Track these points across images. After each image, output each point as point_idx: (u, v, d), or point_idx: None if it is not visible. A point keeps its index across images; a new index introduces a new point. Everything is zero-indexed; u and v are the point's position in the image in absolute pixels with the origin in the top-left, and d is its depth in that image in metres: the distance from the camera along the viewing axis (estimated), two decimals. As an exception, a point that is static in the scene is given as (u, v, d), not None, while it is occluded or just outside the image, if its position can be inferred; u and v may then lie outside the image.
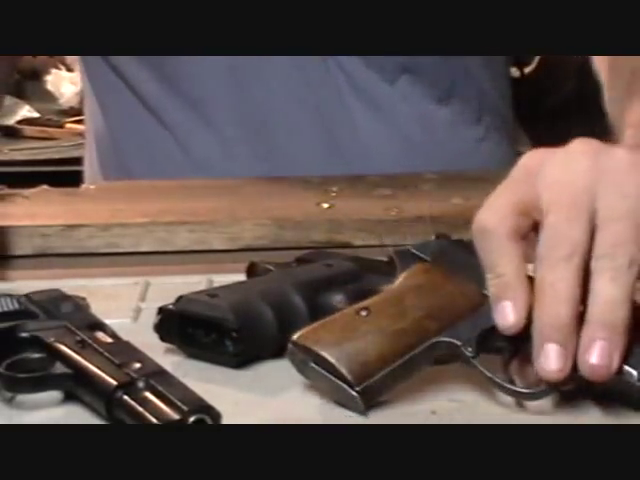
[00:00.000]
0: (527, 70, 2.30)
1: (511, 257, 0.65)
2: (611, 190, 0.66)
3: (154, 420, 0.61)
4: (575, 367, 0.63)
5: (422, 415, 0.65)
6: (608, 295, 0.64)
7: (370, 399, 0.64)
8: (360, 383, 0.64)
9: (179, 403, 0.62)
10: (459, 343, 0.65)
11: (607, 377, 0.62)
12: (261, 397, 0.67)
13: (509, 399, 0.65)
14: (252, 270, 0.78)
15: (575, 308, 0.63)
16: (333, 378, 0.64)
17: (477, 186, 0.96)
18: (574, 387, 0.64)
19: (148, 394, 0.63)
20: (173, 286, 0.69)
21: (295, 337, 0.66)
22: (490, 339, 0.65)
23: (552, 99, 2.43)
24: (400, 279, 0.70)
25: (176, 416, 0.61)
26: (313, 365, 0.65)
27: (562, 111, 2.44)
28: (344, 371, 0.64)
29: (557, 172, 0.67)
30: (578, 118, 2.50)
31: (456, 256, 0.70)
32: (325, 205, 0.93)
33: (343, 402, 0.65)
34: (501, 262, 0.65)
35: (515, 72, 2.26)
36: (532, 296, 0.64)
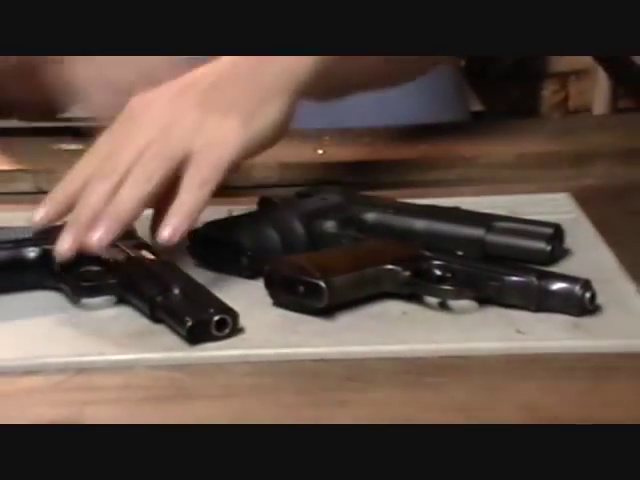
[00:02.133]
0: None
1: None
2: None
3: (188, 319, 0.61)
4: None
5: (391, 316, 0.65)
6: (126, 196, 0.67)
7: (333, 294, 0.63)
8: (324, 277, 0.63)
9: (206, 305, 0.62)
10: (399, 269, 0.65)
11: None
12: (269, 300, 0.66)
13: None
14: (262, 203, 0.77)
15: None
16: (303, 277, 0.64)
17: (439, 134, 0.96)
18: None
19: (182, 298, 0.63)
20: (202, 215, 0.68)
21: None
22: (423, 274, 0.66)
23: (495, 68, 2.41)
24: None
25: (204, 315, 0.61)
26: (286, 274, 0.65)
27: (503, 77, 2.43)
28: (312, 268, 0.64)
29: None
30: (514, 82, 2.50)
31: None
32: (320, 151, 0.91)
33: (312, 302, 0.64)
34: None
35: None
36: None
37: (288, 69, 0.73)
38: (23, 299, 0.69)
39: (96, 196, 0.67)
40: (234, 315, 0.63)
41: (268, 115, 0.71)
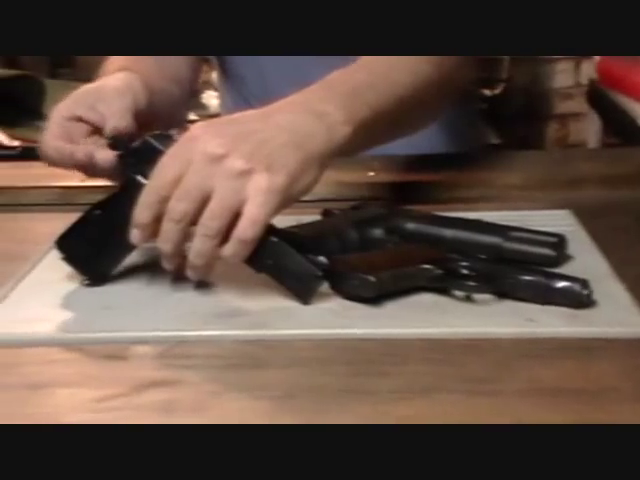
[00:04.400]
0: (495, 92, 2.26)
1: None
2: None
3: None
4: None
5: (425, 305, 0.63)
6: (197, 244, 0.62)
7: (380, 285, 0.62)
8: (373, 273, 0.62)
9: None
10: (433, 268, 0.64)
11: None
12: (329, 290, 0.65)
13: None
14: (324, 214, 0.76)
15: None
16: (356, 273, 0.63)
17: (465, 161, 0.94)
18: None
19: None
20: (278, 223, 0.67)
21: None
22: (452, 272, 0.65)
23: (509, 109, 2.39)
24: None
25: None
26: (343, 269, 0.64)
27: (515, 116, 2.41)
28: (363, 265, 0.63)
29: None
30: (524, 121, 2.48)
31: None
32: (371, 173, 0.90)
33: (362, 292, 0.63)
34: None
35: (488, 93, 2.22)
36: None
37: (330, 139, 0.65)
38: (135, 288, 0.68)
39: (172, 235, 0.62)
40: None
41: (308, 179, 0.64)
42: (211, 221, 0.61)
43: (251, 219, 0.61)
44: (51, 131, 0.73)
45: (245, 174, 0.61)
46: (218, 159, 0.61)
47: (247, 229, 0.61)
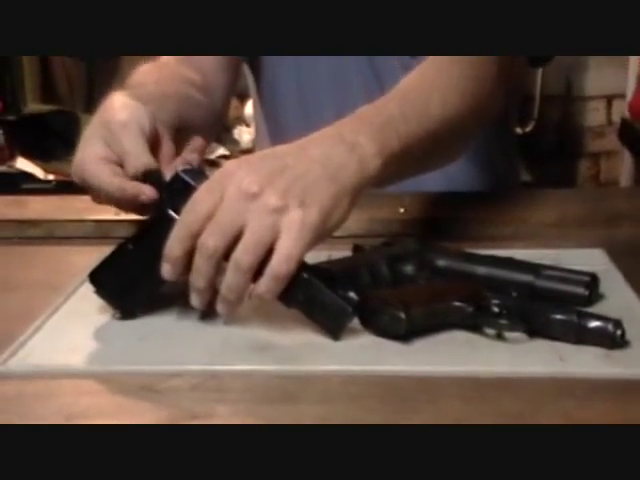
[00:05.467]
0: (527, 129, 2.27)
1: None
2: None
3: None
4: None
5: (457, 342, 0.63)
6: (229, 279, 0.62)
7: (411, 322, 0.63)
8: (404, 310, 0.63)
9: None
10: (464, 305, 0.64)
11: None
12: (360, 326, 0.65)
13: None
14: (356, 249, 0.76)
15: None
16: (388, 308, 0.63)
17: (497, 199, 0.94)
18: None
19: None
20: (310, 258, 0.67)
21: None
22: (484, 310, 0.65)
23: (540, 146, 2.39)
24: None
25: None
26: (374, 305, 0.64)
27: (546, 154, 2.41)
28: (395, 301, 0.63)
29: None
30: (556, 160, 2.48)
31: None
32: (401, 209, 0.91)
33: (393, 328, 0.63)
34: None
35: (519, 130, 2.23)
36: None
37: (361, 170, 0.66)
38: (166, 320, 0.69)
39: (204, 270, 0.63)
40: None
41: (341, 213, 0.64)
42: (244, 255, 0.62)
43: (285, 254, 0.62)
44: (96, 165, 0.71)
45: (279, 210, 0.62)
46: (252, 196, 0.62)
47: (282, 264, 0.62)
